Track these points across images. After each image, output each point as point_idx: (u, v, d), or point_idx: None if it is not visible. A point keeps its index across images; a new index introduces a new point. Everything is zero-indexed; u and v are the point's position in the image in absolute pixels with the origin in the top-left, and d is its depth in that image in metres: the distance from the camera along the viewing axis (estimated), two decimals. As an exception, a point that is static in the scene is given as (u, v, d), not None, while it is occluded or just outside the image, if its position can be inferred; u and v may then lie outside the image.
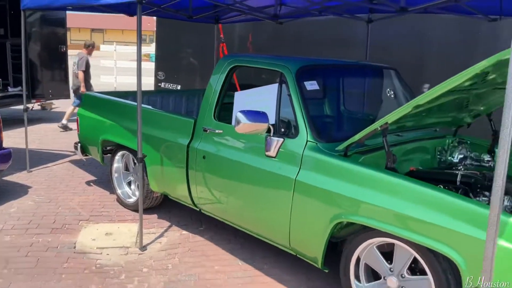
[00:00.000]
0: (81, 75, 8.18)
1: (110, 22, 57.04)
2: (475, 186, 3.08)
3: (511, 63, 1.88)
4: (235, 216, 3.69)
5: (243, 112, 3.14)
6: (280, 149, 3.24)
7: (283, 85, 3.34)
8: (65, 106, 11.04)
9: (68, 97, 9.99)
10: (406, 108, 2.67)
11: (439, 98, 2.86)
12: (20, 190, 5.22)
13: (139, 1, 3.41)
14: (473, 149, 3.76)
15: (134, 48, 23.84)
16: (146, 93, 5.73)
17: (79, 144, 5.27)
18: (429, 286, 2.63)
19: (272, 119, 3.28)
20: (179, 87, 8.65)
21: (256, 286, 3.38)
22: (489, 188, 3.12)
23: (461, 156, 3.53)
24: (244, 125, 3.13)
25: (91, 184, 5.59)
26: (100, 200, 5.05)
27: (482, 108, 3.67)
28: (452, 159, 3.57)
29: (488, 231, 1.94)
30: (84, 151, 5.28)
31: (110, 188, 5.24)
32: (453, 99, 3.10)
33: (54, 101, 10.83)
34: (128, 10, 5.41)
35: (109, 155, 5.00)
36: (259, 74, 6.23)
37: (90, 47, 8.48)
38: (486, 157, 3.51)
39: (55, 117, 10.01)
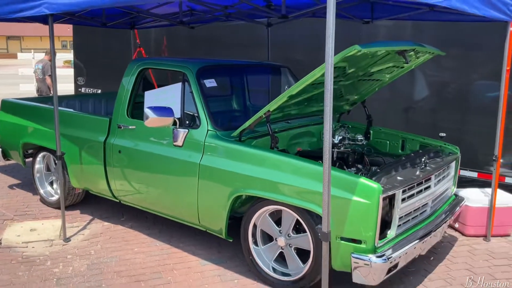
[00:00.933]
0: (48, 80, 8.97)
1: (28, 29, 54.22)
2: (347, 160, 3.77)
3: (326, 57, 2.46)
4: (152, 203, 4.13)
5: (150, 108, 3.61)
6: (186, 139, 3.73)
7: (186, 84, 3.84)
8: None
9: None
10: (282, 98, 3.27)
11: (311, 89, 3.51)
12: None
13: (50, 14, 3.75)
14: (353, 132, 4.47)
15: (61, 56, 23.00)
16: (65, 98, 5.99)
17: (0, 149, 5.44)
18: (308, 241, 3.24)
19: (178, 113, 3.77)
20: (99, 91, 8.85)
21: (172, 260, 3.85)
22: (359, 161, 3.84)
23: (341, 137, 4.19)
24: (152, 119, 3.59)
25: (14, 187, 5.76)
26: (24, 201, 5.26)
27: (356, 97, 4.40)
28: (333, 140, 4.23)
29: (323, 183, 2.53)
30: (6, 155, 5.46)
31: (33, 190, 5.47)
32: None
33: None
34: (43, 19, 5.63)
35: (30, 158, 5.24)
36: (176, 75, 6.69)
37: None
38: (359, 137, 4.20)
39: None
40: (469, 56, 5.18)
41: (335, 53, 2.62)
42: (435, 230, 3.48)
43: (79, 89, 9.35)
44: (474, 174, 5.17)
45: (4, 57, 47.61)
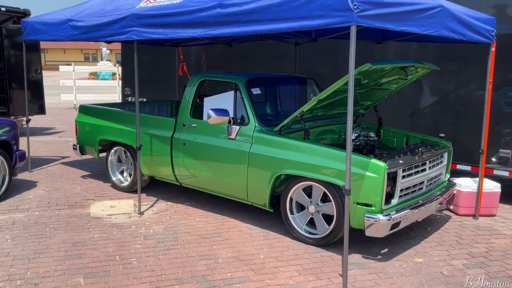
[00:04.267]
0: None
1: (52, 42, 56.59)
2: (362, 151, 4.90)
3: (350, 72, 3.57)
4: (209, 184, 5.29)
5: (212, 109, 4.80)
6: (238, 133, 4.90)
7: (237, 91, 5.02)
8: (36, 121, 12.23)
9: (40, 113, 11.15)
10: (313, 101, 4.43)
11: (334, 96, 4.66)
12: (29, 184, 6.55)
13: (136, 40, 4.98)
14: (367, 130, 5.59)
15: (88, 67, 24.67)
16: (127, 104, 7.25)
17: (77, 146, 6.70)
18: (332, 207, 4.36)
19: (231, 114, 4.94)
20: (144, 100, 10.12)
21: (226, 226, 5.01)
22: (371, 152, 4.95)
23: (356, 134, 5.31)
24: (213, 118, 4.78)
25: (86, 177, 7.00)
26: (98, 187, 6.48)
27: (369, 102, 5.54)
28: (351, 136, 5.35)
29: (346, 163, 3.63)
30: (82, 151, 6.70)
31: (103, 179, 6.70)
32: (345, 97, 4.88)
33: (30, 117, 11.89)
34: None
35: (102, 154, 6.48)
36: (215, 85, 7.92)
37: None
38: (372, 134, 5.31)
39: (30, 132, 11.14)
40: (464, 69, 6.27)
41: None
42: (429, 203, 4.57)
43: (126, 98, 10.65)
44: (468, 168, 6.24)
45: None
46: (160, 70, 10.05)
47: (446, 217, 5.50)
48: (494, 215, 5.60)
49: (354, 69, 3.50)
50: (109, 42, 5.71)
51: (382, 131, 5.67)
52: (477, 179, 5.59)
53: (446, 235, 4.93)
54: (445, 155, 5.15)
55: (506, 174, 5.93)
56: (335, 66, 7.41)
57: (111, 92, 18.44)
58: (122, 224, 5.07)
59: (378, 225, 4.05)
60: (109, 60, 42.36)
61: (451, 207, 5.69)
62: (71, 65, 16.89)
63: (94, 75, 35.07)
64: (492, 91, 5.39)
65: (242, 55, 8.62)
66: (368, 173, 4.06)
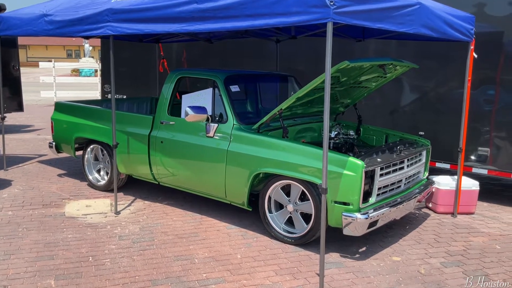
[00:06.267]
0: None
1: (34, 38, 55.59)
2: (341, 149, 4.86)
3: (327, 69, 3.53)
4: (187, 183, 5.20)
5: (190, 107, 4.71)
6: (216, 131, 4.83)
7: (216, 89, 4.95)
8: (14, 118, 11.95)
9: (18, 110, 10.91)
10: (291, 99, 4.37)
11: (313, 93, 4.61)
12: (3, 183, 6.38)
13: (112, 35, 4.87)
14: (347, 128, 5.57)
15: (69, 64, 24.18)
16: (105, 101, 7.11)
17: (53, 144, 6.54)
18: (311, 206, 4.32)
19: (209, 111, 4.87)
20: (124, 97, 9.97)
21: (204, 225, 4.94)
22: (350, 150, 4.92)
23: (336, 132, 5.27)
24: (191, 116, 4.69)
25: (63, 176, 6.85)
26: (74, 186, 6.35)
27: (349, 100, 5.51)
28: (330, 134, 5.32)
29: (323, 161, 3.59)
30: (58, 149, 6.55)
31: (80, 177, 6.57)
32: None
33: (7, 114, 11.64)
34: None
35: (79, 152, 6.34)
36: (195, 82, 7.82)
37: None
38: (351, 133, 5.28)
39: (7, 129, 10.91)
40: (443, 67, 6.28)
41: (333, 66, 3.70)
42: (407, 201, 4.56)
43: (106, 95, 10.48)
44: (447, 166, 6.25)
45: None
46: (141, 66, 9.90)
47: (424, 215, 5.50)
48: (472, 213, 5.62)
49: (330, 67, 3.45)
50: (85, 37, 5.58)
51: (361, 129, 5.65)
52: (455, 177, 5.60)
53: (424, 233, 4.93)
54: (424, 153, 5.15)
55: (484, 172, 5.96)
56: (316, 64, 7.36)
57: (92, 89, 18.18)
58: (97, 224, 4.96)
59: (356, 223, 4.01)
60: (92, 57, 41.79)
61: (430, 205, 5.69)
62: (51, 61, 16.56)
63: (77, 72, 34.56)
64: (471, 89, 5.40)
65: (224, 52, 8.53)
66: (345, 172, 4.03)
